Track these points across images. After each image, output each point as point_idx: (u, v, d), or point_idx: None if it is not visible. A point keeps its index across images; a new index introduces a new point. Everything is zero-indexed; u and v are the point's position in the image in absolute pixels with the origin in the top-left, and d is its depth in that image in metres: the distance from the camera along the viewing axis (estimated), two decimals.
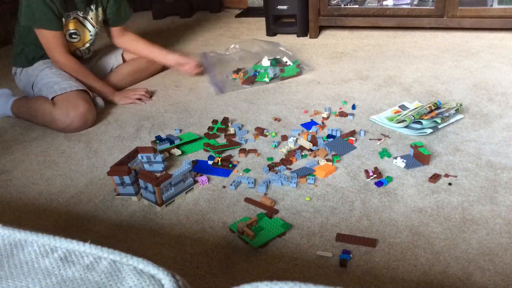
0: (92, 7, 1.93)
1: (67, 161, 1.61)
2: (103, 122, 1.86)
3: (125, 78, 2.16)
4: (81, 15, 1.90)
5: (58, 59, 1.86)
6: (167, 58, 2.19)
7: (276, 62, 2.23)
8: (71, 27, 1.89)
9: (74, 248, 0.57)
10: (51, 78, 1.84)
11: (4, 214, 1.36)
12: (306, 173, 1.39)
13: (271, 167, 1.45)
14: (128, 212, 1.32)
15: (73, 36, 1.92)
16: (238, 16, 3.37)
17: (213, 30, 3.05)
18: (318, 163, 1.45)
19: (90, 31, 1.97)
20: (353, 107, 1.81)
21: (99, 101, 1.93)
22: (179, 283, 0.51)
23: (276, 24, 2.84)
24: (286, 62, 2.22)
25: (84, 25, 1.94)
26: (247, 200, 1.31)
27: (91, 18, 1.94)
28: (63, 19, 1.83)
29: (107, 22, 2.07)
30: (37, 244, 0.58)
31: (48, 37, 1.82)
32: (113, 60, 2.20)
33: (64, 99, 1.78)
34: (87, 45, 2.01)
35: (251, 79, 2.11)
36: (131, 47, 2.17)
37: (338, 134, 1.61)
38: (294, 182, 1.36)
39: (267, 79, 2.10)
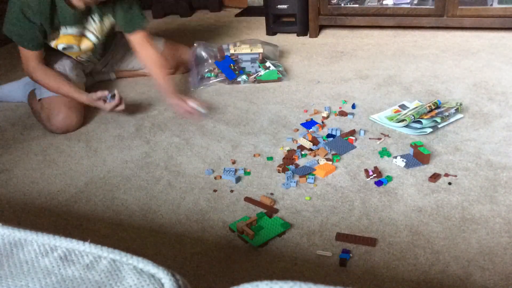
0: (95, 19, 1.80)
1: (67, 160, 1.61)
2: (103, 121, 1.86)
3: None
4: (76, 30, 1.79)
5: (28, 73, 1.80)
6: (169, 97, 1.86)
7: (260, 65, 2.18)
8: (64, 41, 1.80)
9: (74, 247, 0.57)
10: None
11: (3, 213, 1.35)
12: (306, 172, 1.39)
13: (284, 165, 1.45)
14: (128, 212, 1.32)
15: (66, 49, 1.84)
16: (238, 15, 3.36)
17: (213, 30, 3.04)
18: (318, 162, 1.45)
19: (93, 42, 1.87)
20: (353, 106, 1.81)
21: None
22: (179, 282, 0.51)
23: (276, 23, 2.83)
24: (269, 66, 2.15)
25: (84, 37, 1.84)
26: (247, 199, 1.31)
27: (94, 30, 1.83)
28: (50, 35, 1.75)
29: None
30: (37, 243, 0.58)
31: (23, 53, 1.76)
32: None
33: (47, 103, 1.79)
34: (90, 53, 1.95)
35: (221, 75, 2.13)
36: (146, 64, 1.94)
37: (338, 134, 1.61)
38: (294, 182, 1.36)
39: (240, 79, 2.10)
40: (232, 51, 2.16)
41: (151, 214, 1.30)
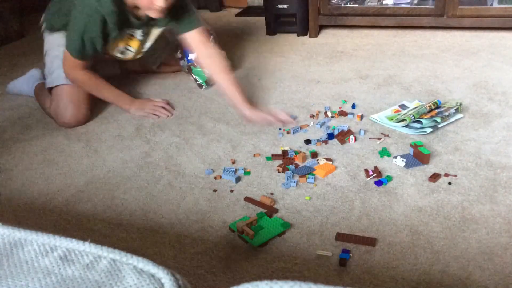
0: (156, 25, 1.82)
1: (67, 160, 1.61)
2: (103, 121, 1.86)
3: None
4: (139, 33, 1.79)
5: (69, 73, 1.75)
6: (243, 109, 1.72)
7: None
8: (121, 45, 1.80)
9: (74, 247, 0.57)
10: (55, 62, 1.80)
11: (3, 213, 1.35)
12: (306, 172, 1.39)
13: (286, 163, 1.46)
14: (128, 211, 1.32)
15: (121, 52, 1.84)
16: (238, 15, 3.36)
17: (213, 29, 3.04)
18: (318, 162, 1.45)
19: (144, 48, 1.89)
20: (353, 106, 1.81)
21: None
22: (179, 282, 0.51)
23: (276, 23, 2.83)
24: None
25: (137, 40, 1.83)
26: (247, 199, 1.31)
27: (150, 36, 1.85)
28: (112, 38, 1.71)
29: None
30: (37, 243, 0.58)
31: (69, 59, 1.72)
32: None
33: (57, 94, 1.79)
34: (136, 55, 1.93)
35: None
36: (208, 67, 1.83)
37: (341, 130, 1.61)
38: (294, 182, 1.36)
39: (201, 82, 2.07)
40: None
41: (151, 214, 1.30)
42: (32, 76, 2.08)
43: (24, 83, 2.10)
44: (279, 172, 1.43)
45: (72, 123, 1.80)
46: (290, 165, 1.45)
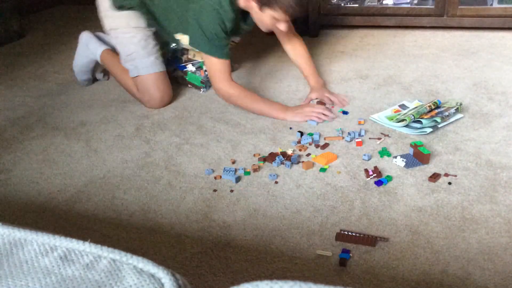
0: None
1: (67, 160, 1.61)
2: (103, 121, 1.86)
3: None
4: (237, 39, 1.89)
5: (222, 88, 1.75)
6: (315, 88, 1.89)
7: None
8: None
9: (74, 247, 0.57)
10: (132, 48, 1.85)
11: (3, 213, 1.35)
12: (296, 160, 1.46)
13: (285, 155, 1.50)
14: (128, 211, 1.32)
15: None
16: None
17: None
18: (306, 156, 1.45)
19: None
20: (345, 112, 1.78)
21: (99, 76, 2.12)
22: (179, 282, 0.51)
23: None
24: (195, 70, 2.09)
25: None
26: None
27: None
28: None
29: None
30: (37, 243, 0.58)
31: (216, 64, 1.72)
32: None
33: (143, 83, 1.86)
34: None
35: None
36: (291, 55, 2.00)
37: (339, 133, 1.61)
38: (288, 164, 1.44)
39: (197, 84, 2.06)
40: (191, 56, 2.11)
41: (151, 214, 1.30)
42: (85, 44, 2.07)
43: (83, 56, 2.09)
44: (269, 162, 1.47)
45: (161, 105, 1.91)
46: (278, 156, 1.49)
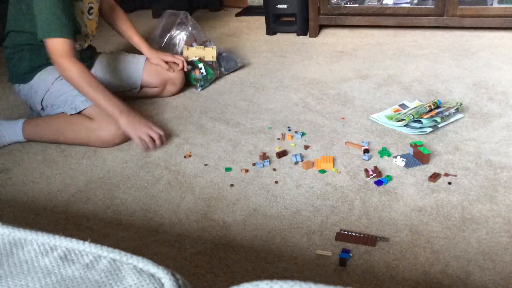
0: None
1: (67, 159, 1.61)
2: None
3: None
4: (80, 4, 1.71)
5: (64, 64, 1.54)
6: (152, 56, 1.96)
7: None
8: (87, 1, 1.73)
9: (74, 247, 0.57)
10: (68, 91, 1.63)
11: (3, 212, 1.35)
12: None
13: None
14: (128, 211, 1.32)
15: (90, 12, 1.76)
16: (238, 15, 3.36)
17: (213, 29, 3.04)
18: (302, 158, 1.45)
19: (95, 22, 1.82)
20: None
21: None
22: (179, 282, 0.51)
23: (276, 23, 2.83)
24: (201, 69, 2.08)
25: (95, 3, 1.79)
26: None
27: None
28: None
29: None
30: (37, 243, 0.58)
31: (58, 44, 1.55)
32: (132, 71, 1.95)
33: (91, 116, 1.61)
34: (91, 31, 1.81)
35: None
36: (120, 29, 1.97)
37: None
38: (266, 162, 1.46)
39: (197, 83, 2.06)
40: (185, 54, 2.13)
41: (151, 213, 1.30)
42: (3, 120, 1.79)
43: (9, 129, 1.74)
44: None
45: (115, 141, 1.63)
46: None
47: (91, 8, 1.77)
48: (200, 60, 2.08)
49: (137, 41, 1.97)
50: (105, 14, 1.95)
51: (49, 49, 1.57)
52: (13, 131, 1.70)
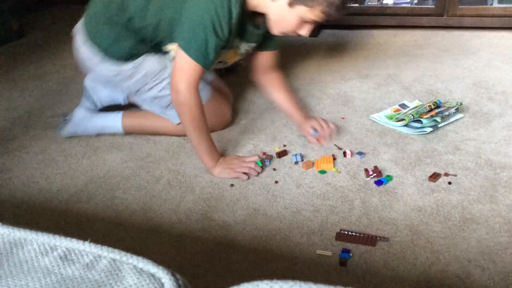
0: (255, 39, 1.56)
1: (67, 159, 1.61)
2: None
3: None
4: (245, 46, 1.53)
5: (183, 90, 1.36)
6: (305, 124, 1.61)
7: None
8: (228, 57, 1.57)
9: (74, 246, 0.57)
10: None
11: (3, 212, 1.35)
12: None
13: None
14: (128, 211, 1.32)
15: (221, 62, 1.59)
16: None
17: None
18: (302, 158, 1.45)
19: (240, 54, 1.59)
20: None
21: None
22: (179, 282, 0.51)
23: None
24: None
25: (237, 55, 1.58)
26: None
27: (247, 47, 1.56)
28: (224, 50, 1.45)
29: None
30: (37, 242, 0.58)
31: (190, 67, 1.35)
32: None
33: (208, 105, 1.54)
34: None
35: None
36: (270, 91, 1.69)
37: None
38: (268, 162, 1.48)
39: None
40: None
41: (151, 213, 1.30)
42: (83, 119, 1.71)
43: (80, 126, 1.71)
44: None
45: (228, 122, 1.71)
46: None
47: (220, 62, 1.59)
48: None
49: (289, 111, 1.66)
50: (257, 73, 1.69)
51: (176, 60, 1.39)
52: (114, 123, 1.69)
